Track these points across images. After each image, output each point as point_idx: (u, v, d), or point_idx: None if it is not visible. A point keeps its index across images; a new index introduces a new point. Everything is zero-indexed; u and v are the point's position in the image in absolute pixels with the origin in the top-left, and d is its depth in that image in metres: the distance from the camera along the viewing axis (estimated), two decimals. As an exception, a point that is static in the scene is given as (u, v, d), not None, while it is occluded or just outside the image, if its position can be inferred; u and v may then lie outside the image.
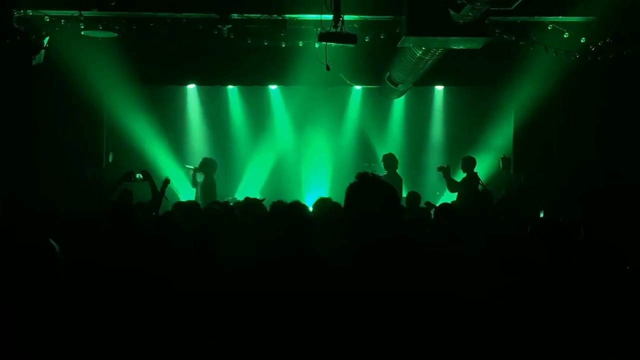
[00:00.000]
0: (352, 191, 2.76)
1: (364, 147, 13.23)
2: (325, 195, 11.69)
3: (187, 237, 5.04)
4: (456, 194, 10.24)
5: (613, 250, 3.74)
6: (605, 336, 3.26)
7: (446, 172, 10.23)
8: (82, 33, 9.29)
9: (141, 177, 7.85)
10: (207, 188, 10.52)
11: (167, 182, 8.14)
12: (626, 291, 3.47)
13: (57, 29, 9.15)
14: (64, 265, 3.57)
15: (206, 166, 10.67)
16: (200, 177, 10.78)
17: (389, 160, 10.79)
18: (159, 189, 7.76)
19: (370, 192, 2.74)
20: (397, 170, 10.67)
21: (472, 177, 10.24)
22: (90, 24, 9.18)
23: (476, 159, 10.59)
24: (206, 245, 4.70)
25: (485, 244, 4.48)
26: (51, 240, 3.72)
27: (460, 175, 10.53)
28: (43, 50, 9.45)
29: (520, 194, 10.51)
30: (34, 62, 9.46)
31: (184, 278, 4.17)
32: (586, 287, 3.54)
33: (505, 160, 11.73)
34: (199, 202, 8.72)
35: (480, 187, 10.04)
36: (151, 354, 3.62)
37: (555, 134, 11.45)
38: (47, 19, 8.96)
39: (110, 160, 11.50)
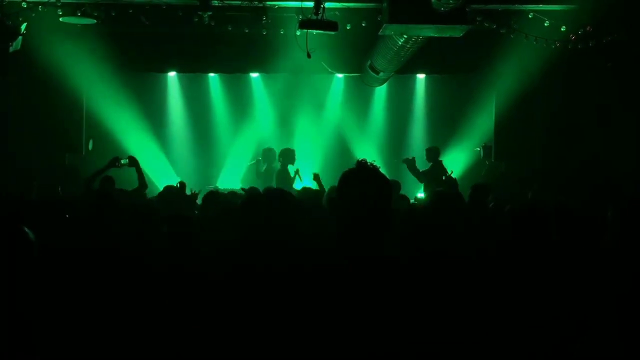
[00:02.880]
0: (345, 175, 2.76)
1: (346, 136, 13.23)
2: (307, 183, 11.80)
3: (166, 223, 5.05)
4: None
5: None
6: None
7: (411, 164, 10.34)
8: (61, 19, 9.17)
9: (127, 162, 7.82)
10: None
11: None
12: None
13: (34, 15, 9.02)
14: (38, 252, 3.54)
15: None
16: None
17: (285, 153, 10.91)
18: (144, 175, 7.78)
19: (361, 177, 2.72)
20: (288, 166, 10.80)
21: (437, 167, 10.41)
22: (69, 10, 9.06)
23: (440, 148, 10.94)
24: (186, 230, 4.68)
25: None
26: (25, 228, 3.67)
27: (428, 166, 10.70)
28: (20, 37, 9.31)
29: (500, 181, 10.58)
30: (11, 49, 9.31)
31: (165, 262, 4.16)
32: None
33: (486, 148, 11.81)
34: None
35: (444, 176, 10.20)
36: (131, 339, 3.62)
37: (535, 122, 11.52)
38: (24, 4, 8.83)
39: (90, 147, 11.41)
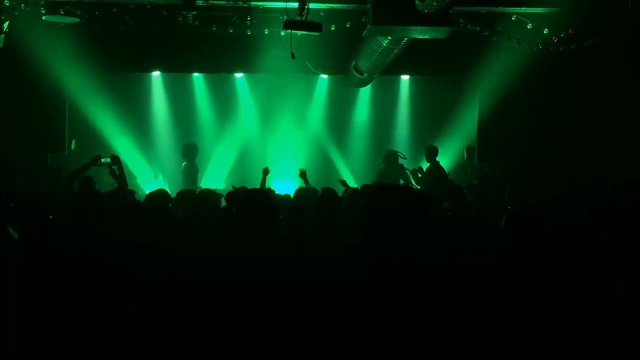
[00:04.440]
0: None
1: (330, 136, 13.25)
2: (292, 182, 11.82)
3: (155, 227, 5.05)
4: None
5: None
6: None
7: (417, 173, 10.39)
8: (44, 18, 9.11)
9: (109, 161, 7.73)
10: (189, 173, 10.51)
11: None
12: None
13: (17, 13, 8.96)
14: (22, 253, 3.52)
15: (188, 150, 10.65)
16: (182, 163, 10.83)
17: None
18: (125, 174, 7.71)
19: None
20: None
21: (436, 167, 10.47)
22: (52, 8, 9.00)
23: (438, 148, 10.92)
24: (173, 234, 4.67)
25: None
26: (9, 228, 3.66)
27: (424, 164, 10.73)
28: (3, 35, 9.25)
29: (483, 183, 10.64)
30: (-6, 48, 9.27)
31: (152, 266, 4.14)
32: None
33: (469, 149, 11.88)
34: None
35: (445, 175, 10.29)
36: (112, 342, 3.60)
37: (519, 124, 11.59)
38: (6, 2, 8.77)
39: (72, 147, 11.34)
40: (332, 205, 5.29)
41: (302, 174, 8.93)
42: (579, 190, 7.58)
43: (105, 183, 7.90)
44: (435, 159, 10.65)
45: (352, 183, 10.71)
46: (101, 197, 5.09)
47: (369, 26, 8.14)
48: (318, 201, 5.41)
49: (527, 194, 7.85)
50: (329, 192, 5.80)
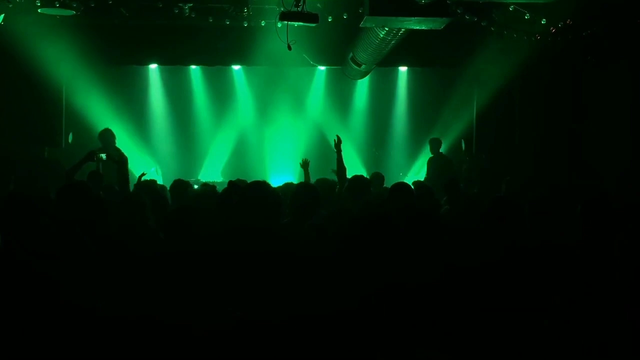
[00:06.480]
0: None
1: (328, 128, 13.22)
2: (290, 176, 11.79)
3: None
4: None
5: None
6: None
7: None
8: (39, 10, 9.06)
9: (104, 157, 7.66)
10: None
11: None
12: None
13: (11, 5, 8.91)
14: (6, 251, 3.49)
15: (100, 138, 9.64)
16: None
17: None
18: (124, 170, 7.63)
19: None
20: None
21: (440, 159, 10.64)
22: (47, 1, 8.95)
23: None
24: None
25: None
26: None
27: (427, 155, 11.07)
28: (-2, 28, 9.23)
29: (480, 175, 10.63)
30: (-12, 41, 9.24)
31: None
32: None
33: (467, 142, 11.88)
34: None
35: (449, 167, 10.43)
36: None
37: (516, 116, 11.56)
38: (1, -5, 8.74)
39: (70, 140, 11.31)
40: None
41: (304, 164, 8.30)
42: (576, 188, 7.58)
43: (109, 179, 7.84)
44: (439, 150, 10.94)
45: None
46: (85, 188, 4.99)
47: (365, 17, 8.09)
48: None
49: (524, 186, 7.83)
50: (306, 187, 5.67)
